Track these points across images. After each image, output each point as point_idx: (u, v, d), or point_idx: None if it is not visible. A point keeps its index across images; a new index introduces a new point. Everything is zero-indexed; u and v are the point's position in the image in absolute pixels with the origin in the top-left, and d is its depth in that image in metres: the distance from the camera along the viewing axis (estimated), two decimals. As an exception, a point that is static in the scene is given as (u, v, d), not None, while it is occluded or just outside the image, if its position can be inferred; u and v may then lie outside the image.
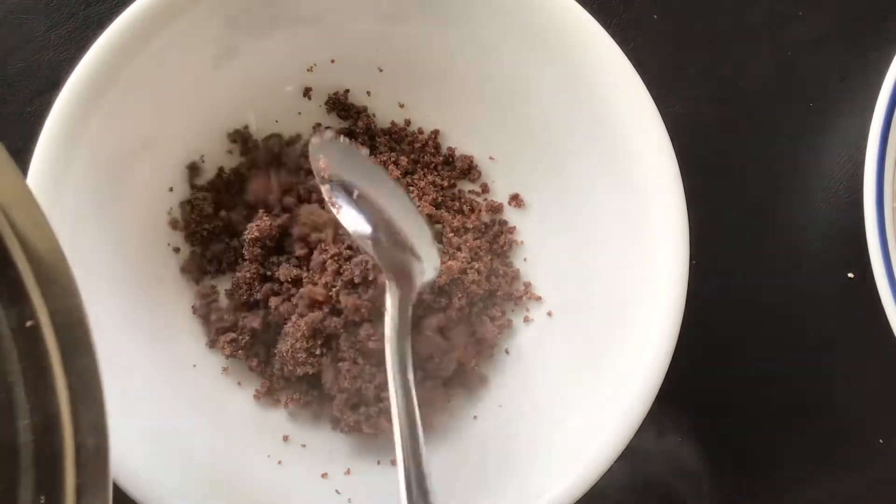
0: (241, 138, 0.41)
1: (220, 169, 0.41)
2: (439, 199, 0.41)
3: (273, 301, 0.38)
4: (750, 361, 0.43)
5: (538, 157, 0.40)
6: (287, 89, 0.41)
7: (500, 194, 0.42)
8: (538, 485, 0.35)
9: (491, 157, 0.42)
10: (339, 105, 0.41)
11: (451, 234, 0.39)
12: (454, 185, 0.42)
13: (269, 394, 0.39)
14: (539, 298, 0.41)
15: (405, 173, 0.41)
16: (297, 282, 0.38)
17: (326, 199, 0.35)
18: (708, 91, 0.44)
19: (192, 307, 0.40)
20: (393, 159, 0.41)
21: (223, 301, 0.40)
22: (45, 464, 0.22)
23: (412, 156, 0.41)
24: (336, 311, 0.37)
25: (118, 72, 0.35)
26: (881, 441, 0.43)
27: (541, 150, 0.40)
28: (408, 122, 0.42)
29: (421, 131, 0.42)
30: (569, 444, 0.36)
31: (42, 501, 0.22)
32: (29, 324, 0.22)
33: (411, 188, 0.40)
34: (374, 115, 0.42)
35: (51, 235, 0.22)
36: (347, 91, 0.41)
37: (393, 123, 0.42)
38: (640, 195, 0.36)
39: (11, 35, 0.42)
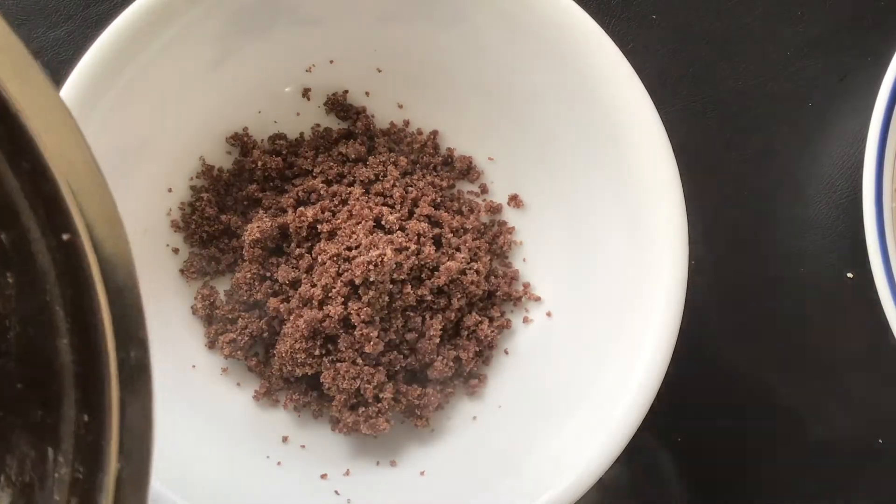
0: (240, 141, 0.41)
1: (220, 169, 0.41)
2: (438, 199, 0.41)
3: (272, 302, 0.38)
4: (748, 361, 0.43)
5: (537, 157, 0.40)
6: (286, 90, 0.41)
7: (498, 195, 0.42)
8: (538, 485, 0.35)
9: (490, 158, 0.42)
10: (338, 105, 0.41)
11: (450, 235, 0.39)
12: (453, 186, 0.42)
13: (268, 394, 0.39)
14: (538, 299, 0.41)
15: (404, 173, 0.41)
16: (296, 283, 0.38)
17: None
18: (706, 91, 0.44)
19: (192, 308, 0.40)
20: (392, 160, 0.41)
21: (222, 301, 0.40)
22: (87, 382, 0.22)
23: (411, 156, 0.41)
24: (335, 312, 0.37)
25: (117, 73, 0.35)
26: (881, 441, 0.43)
27: (540, 151, 0.40)
28: (407, 123, 0.42)
29: (420, 132, 0.42)
30: (568, 445, 0.36)
31: (85, 419, 0.22)
32: (66, 237, 0.21)
33: (410, 188, 0.40)
34: (372, 116, 0.42)
35: (85, 148, 0.22)
36: (346, 92, 0.41)
37: (392, 124, 0.42)
38: (639, 195, 0.36)
39: (10, 36, 0.42)
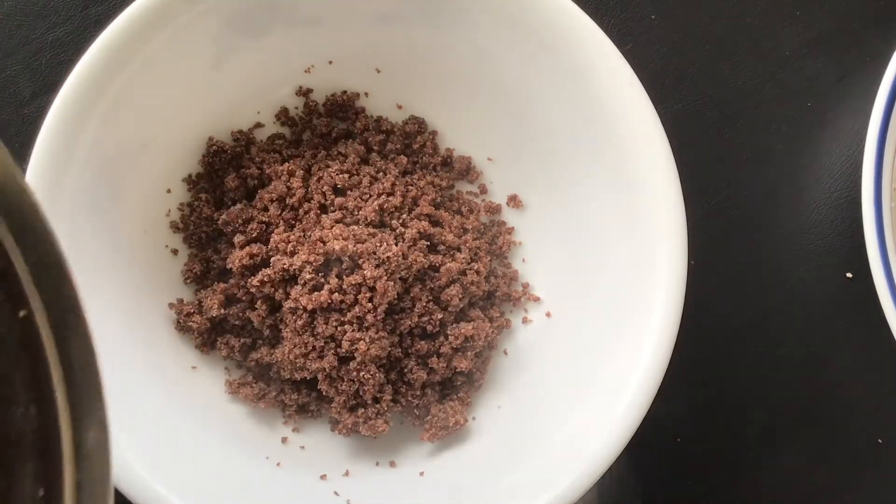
0: (245, 137, 0.41)
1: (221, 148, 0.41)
2: (438, 199, 0.41)
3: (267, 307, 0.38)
4: (748, 361, 0.43)
5: (536, 157, 0.40)
6: (285, 90, 0.41)
7: (498, 195, 0.42)
8: (537, 485, 0.35)
9: (489, 158, 0.42)
10: (338, 106, 0.41)
11: (450, 235, 0.39)
12: (452, 186, 0.42)
13: (267, 396, 0.39)
14: (538, 299, 0.41)
15: (404, 173, 0.41)
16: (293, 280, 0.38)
17: None
18: (706, 91, 0.44)
19: (191, 312, 0.40)
20: (392, 159, 0.41)
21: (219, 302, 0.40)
22: (44, 455, 0.21)
23: (411, 157, 0.41)
24: (332, 313, 0.37)
25: (116, 73, 0.35)
26: (881, 441, 0.43)
27: (539, 151, 0.40)
28: (406, 123, 0.42)
29: (419, 132, 0.42)
30: (568, 445, 0.36)
31: (41, 494, 0.21)
32: (22, 314, 0.21)
33: (410, 188, 0.40)
34: (372, 117, 0.42)
35: (43, 221, 0.21)
36: (345, 92, 0.41)
37: (391, 124, 0.42)
38: (639, 195, 0.36)
39: (9, 37, 0.42)
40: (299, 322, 0.36)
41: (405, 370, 0.38)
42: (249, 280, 0.37)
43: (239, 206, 0.39)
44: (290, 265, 0.36)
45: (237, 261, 0.38)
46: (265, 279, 0.37)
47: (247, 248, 0.38)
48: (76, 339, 0.21)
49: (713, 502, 0.43)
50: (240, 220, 0.39)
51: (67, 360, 0.21)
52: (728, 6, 0.44)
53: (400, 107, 0.42)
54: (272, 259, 0.37)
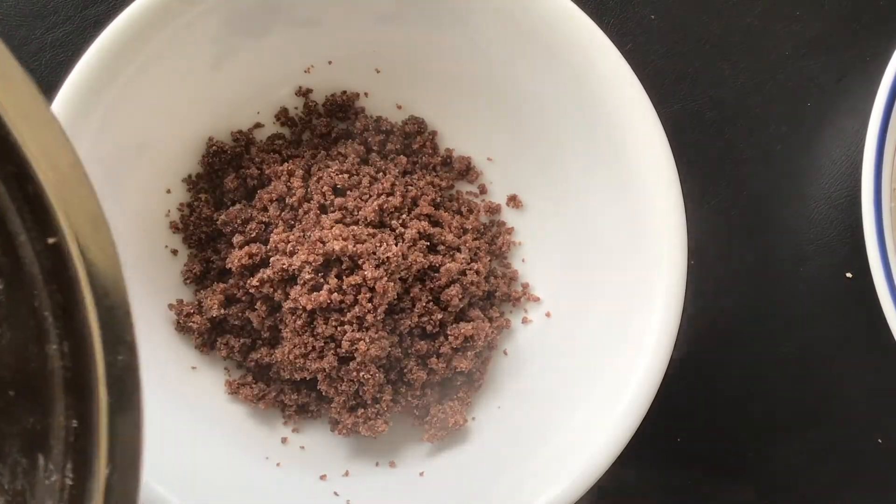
0: (244, 137, 0.41)
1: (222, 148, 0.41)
2: (438, 199, 0.41)
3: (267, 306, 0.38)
4: (748, 361, 0.43)
5: (536, 157, 0.40)
6: (285, 91, 0.41)
7: (497, 195, 0.42)
8: (537, 485, 0.35)
9: (489, 159, 0.42)
10: (337, 106, 0.41)
11: (449, 235, 0.39)
12: (452, 186, 0.42)
13: (267, 396, 0.39)
14: (537, 299, 0.41)
15: (404, 173, 0.41)
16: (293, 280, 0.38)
17: None
18: (705, 91, 0.44)
19: (190, 312, 0.40)
20: (392, 159, 0.41)
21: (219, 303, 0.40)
22: (76, 388, 0.22)
23: (410, 157, 0.41)
24: (331, 313, 0.37)
25: (115, 74, 0.35)
26: (880, 441, 0.43)
27: (538, 151, 0.40)
28: (405, 123, 0.42)
29: (419, 132, 0.42)
30: (567, 445, 0.36)
31: (75, 425, 0.22)
32: (51, 241, 0.21)
33: (410, 188, 0.40)
34: (371, 117, 0.42)
35: (70, 152, 0.22)
36: (345, 92, 0.41)
37: (391, 124, 0.42)
38: (638, 195, 0.36)
39: (8, 37, 0.42)
40: (299, 322, 0.36)
41: (405, 370, 0.38)
42: (249, 280, 0.37)
43: (238, 206, 0.39)
44: (290, 265, 0.36)
45: (236, 261, 0.38)
46: (264, 279, 0.37)
47: (245, 248, 0.38)
48: (105, 261, 0.22)
49: (713, 502, 0.43)
50: (238, 220, 0.39)
51: (96, 284, 0.21)
52: (728, 6, 0.44)
53: (400, 107, 0.42)
54: (271, 259, 0.37)
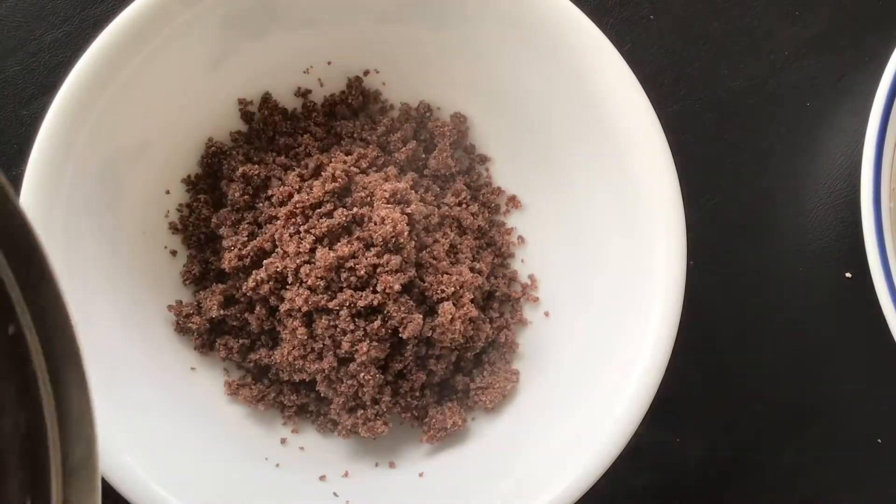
0: (243, 139, 0.41)
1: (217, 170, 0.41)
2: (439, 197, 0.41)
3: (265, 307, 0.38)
4: (748, 361, 0.43)
5: (536, 158, 0.40)
6: (284, 91, 0.41)
7: (497, 195, 0.42)
8: (537, 485, 0.35)
9: (489, 158, 0.42)
10: (336, 106, 0.41)
11: (451, 235, 0.39)
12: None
13: (266, 397, 0.39)
14: (536, 300, 0.41)
15: (402, 172, 0.41)
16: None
17: None
18: (704, 91, 0.44)
19: (190, 313, 0.40)
20: (392, 159, 0.41)
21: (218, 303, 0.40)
22: (32, 466, 0.21)
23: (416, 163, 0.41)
24: (329, 315, 0.37)
25: (114, 74, 0.35)
26: (880, 441, 0.43)
27: (538, 152, 0.40)
28: (405, 120, 0.42)
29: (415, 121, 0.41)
30: (568, 445, 0.36)
31: (28, 502, 0.22)
32: (11, 331, 0.21)
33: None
34: (371, 117, 0.42)
35: (30, 231, 0.21)
36: (344, 92, 0.41)
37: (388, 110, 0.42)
38: (637, 196, 0.36)
39: (7, 38, 0.42)
40: (296, 323, 0.36)
41: (404, 371, 0.38)
42: (245, 285, 0.37)
43: (228, 207, 0.39)
44: (284, 267, 0.36)
45: (227, 262, 0.38)
46: (259, 280, 0.37)
47: (235, 251, 0.38)
48: (67, 359, 0.21)
49: (713, 502, 0.43)
50: (229, 222, 0.39)
51: (56, 376, 0.21)
52: (727, 6, 0.44)
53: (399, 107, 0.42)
54: (264, 262, 0.37)
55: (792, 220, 0.44)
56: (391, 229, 0.35)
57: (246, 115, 0.40)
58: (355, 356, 0.36)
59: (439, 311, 0.36)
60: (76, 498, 0.21)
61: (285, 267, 0.36)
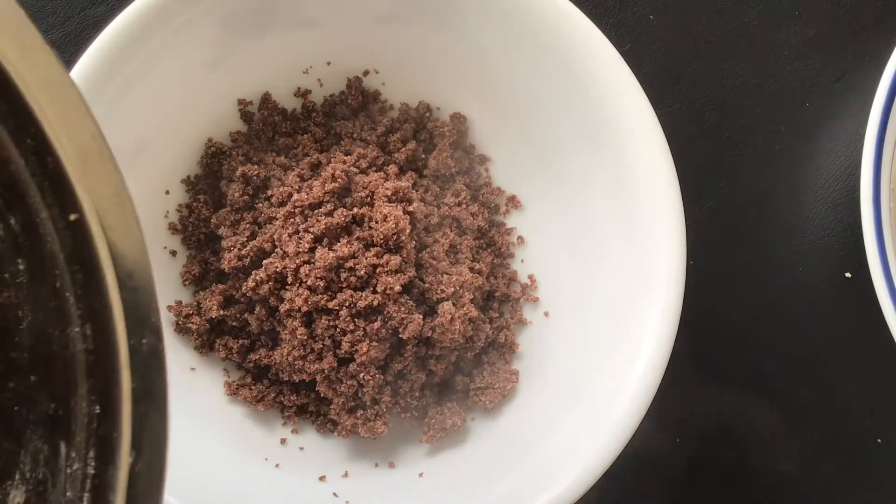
0: (243, 139, 0.41)
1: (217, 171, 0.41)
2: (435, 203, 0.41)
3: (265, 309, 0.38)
4: (748, 360, 0.43)
5: (535, 158, 0.40)
6: (283, 91, 0.41)
7: (497, 195, 0.42)
8: (537, 485, 0.35)
9: (489, 158, 0.42)
10: (336, 106, 0.41)
11: (450, 235, 0.39)
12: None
13: (266, 397, 0.39)
14: (536, 300, 0.41)
15: (402, 172, 0.41)
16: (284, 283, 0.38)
17: None
18: (704, 91, 0.44)
19: (189, 313, 0.39)
20: (392, 159, 0.41)
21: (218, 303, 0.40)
22: (98, 372, 0.21)
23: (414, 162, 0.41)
24: (329, 315, 0.37)
25: (114, 75, 0.35)
26: (879, 441, 0.43)
27: (538, 152, 0.40)
28: (405, 120, 0.42)
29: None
30: (567, 445, 0.36)
31: (97, 411, 0.21)
32: (73, 217, 0.20)
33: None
34: (370, 116, 0.42)
35: (91, 124, 0.21)
36: (344, 93, 0.41)
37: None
38: (637, 196, 0.36)
39: (7, 39, 0.42)
40: (296, 324, 0.36)
41: (404, 372, 0.38)
42: (244, 285, 0.37)
43: (227, 208, 0.39)
44: (283, 267, 0.36)
45: (226, 263, 0.38)
46: (259, 280, 0.36)
47: (235, 251, 0.38)
48: (128, 240, 0.21)
49: (713, 501, 0.43)
50: (228, 222, 0.39)
51: (120, 265, 0.21)
52: (726, 6, 0.44)
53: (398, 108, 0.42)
54: (264, 262, 0.37)
55: (792, 220, 0.44)
56: (393, 226, 0.35)
57: (246, 116, 0.40)
58: (355, 356, 0.36)
59: (439, 312, 0.36)
60: (146, 392, 0.21)
61: (285, 267, 0.36)
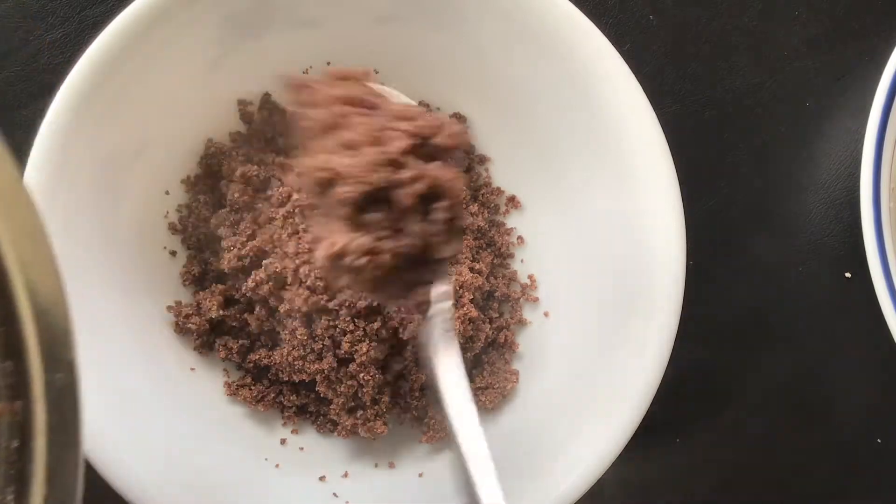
0: (242, 140, 0.41)
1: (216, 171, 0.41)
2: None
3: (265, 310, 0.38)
4: (747, 360, 0.43)
5: (535, 158, 0.40)
6: (283, 91, 0.41)
7: (497, 195, 0.42)
8: (536, 486, 0.35)
9: (489, 158, 0.42)
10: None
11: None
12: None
13: (266, 397, 0.39)
14: (536, 300, 0.41)
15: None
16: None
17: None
18: (704, 91, 0.44)
19: (189, 313, 0.39)
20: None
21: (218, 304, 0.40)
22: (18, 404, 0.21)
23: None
24: (329, 315, 0.37)
25: (113, 75, 0.35)
26: (879, 441, 0.43)
27: (537, 152, 0.40)
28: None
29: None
30: (567, 445, 0.36)
31: (15, 445, 0.21)
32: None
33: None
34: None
35: (8, 163, 0.21)
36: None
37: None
38: (637, 196, 0.36)
39: (7, 39, 0.42)
40: (296, 324, 0.36)
41: (404, 372, 0.38)
42: (244, 285, 0.37)
43: (227, 208, 0.39)
44: (283, 268, 0.36)
45: (226, 263, 0.38)
46: (259, 281, 0.36)
47: (234, 251, 0.38)
48: (45, 278, 0.21)
49: (713, 502, 0.43)
50: (228, 222, 0.39)
51: (36, 301, 0.21)
52: (726, 6, 0.44)
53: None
54: (264, 262, 0.37)
55: (791, 220, 0.44)
56: None
57: (245, 116, 0.40)
58: (355, 357, 0.36)
59: None
60: (61, 424, 0.21)
61: (284, 267, 0.36)
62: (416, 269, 0.29)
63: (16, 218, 0.21)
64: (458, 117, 0.41)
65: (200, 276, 0.40)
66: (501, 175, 0.42)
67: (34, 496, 0.21)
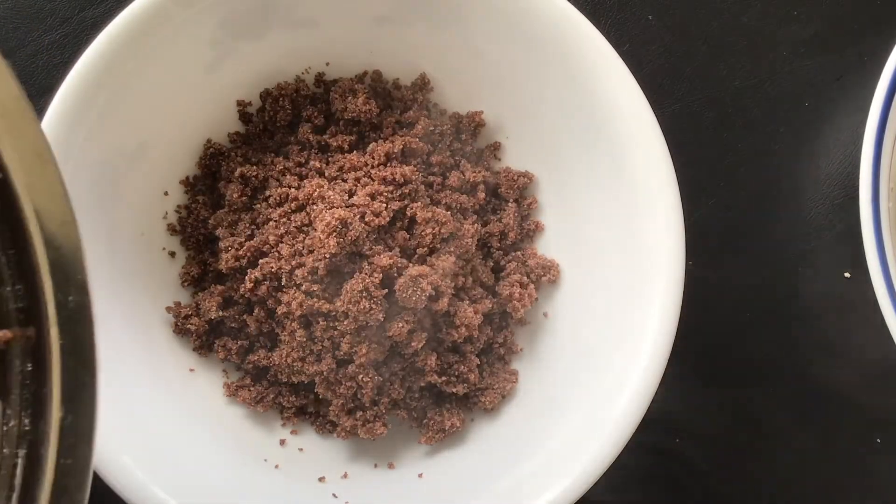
0: (241, 140, 0.41)
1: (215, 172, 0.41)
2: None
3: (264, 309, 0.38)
4: (747, 360, 0.43)
5: (534, 158, 0.40)
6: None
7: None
8: (536, 486, 0.35)
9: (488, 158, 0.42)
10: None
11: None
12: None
13: (265, 398, 0.39)
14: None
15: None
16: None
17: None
18: (703, 91, 0.44)
19: (188, 314, 0.39)
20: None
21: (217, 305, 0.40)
22: (30, 328, 0.22)
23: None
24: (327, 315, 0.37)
25: (112, 76, 0.35)
26: (879, 441, 0.43)
27: (536, 152, 0.40)
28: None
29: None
30: (566, 446, 0.36)
31: (29, 368, 0.22)
32: None
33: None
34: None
35: (12, 82, 0.21)
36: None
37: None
38: (636, 196, 0.36)
39: (5, 39, 0.42)
40: (294, 325, 0.36)
41: (403, 373, 0.38)
42: (242, 286, 0.37)
43: (226, 209, 0.39)
44: (279, 268, 0.36)
45: (224, 263, 0.38)
46: (255, 280, 0.36)
47: (232, 251, 0.38)
48: (52, 199, 0.21)
49: (713, 502, 0.43)
50: (227, 223, 0.39)
51: (45, 223, 0.21)
52: (725, 6, 0.44)
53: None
54: (260, 262, 0.37)
55: (791, 220, 0.43)
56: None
57: (244, 117, 0.40)
58: (354, 358, 0.36)
59: None
60: (75, 348, 0.21)
61: (280, 268, 0.36)
62: None
63: (22, 137, 0.21)
64: (458, 117, 0.41)
65: (199, 276, 0.40)
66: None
67: (52, 417, 0.21)
